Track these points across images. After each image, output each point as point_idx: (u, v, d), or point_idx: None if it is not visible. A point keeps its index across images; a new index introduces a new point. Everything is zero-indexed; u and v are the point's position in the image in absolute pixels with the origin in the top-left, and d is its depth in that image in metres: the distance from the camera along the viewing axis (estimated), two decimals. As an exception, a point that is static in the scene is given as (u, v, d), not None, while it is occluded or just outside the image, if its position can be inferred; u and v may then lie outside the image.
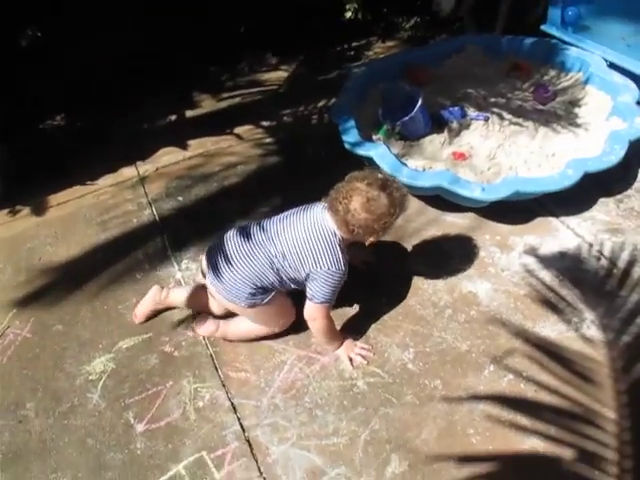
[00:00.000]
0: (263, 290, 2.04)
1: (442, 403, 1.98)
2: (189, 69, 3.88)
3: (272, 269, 2.01)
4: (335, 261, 1.98)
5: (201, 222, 2.79)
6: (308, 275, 2.00)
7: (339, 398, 2.03)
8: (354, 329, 2.25)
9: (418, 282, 2.40)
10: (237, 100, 3.76)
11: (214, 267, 2.07)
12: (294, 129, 3.41)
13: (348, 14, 3.97)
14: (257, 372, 2.14)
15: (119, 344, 2.28)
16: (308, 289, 2.03)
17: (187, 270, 2.56)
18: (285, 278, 2.04)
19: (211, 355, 2.21)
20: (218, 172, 3.09)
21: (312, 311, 2.06)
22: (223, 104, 3.76)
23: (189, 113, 3.72)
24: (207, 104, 3.78)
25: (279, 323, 2.20)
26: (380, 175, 1.96)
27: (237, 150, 3.26)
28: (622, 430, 1.87)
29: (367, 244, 2.01)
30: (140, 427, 2.01)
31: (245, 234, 2.08)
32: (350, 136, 2.72)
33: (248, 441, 1.94)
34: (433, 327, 2.22)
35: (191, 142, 3.38)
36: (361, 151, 2.62)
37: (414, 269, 2.42)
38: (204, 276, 2.17)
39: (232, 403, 2.05)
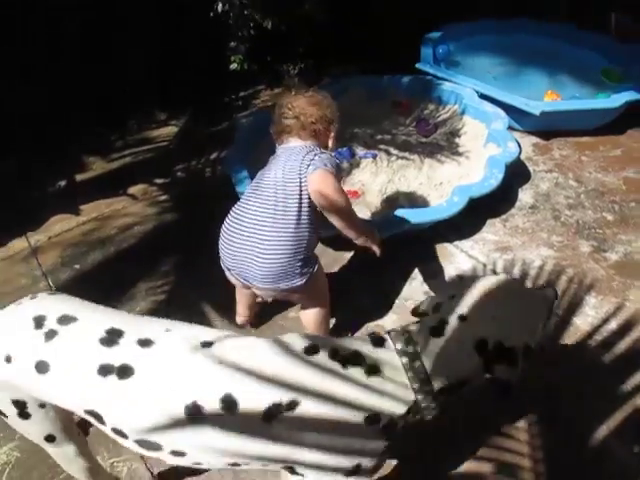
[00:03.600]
0: (307, 252, 1.93)
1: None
2: (77, 131, 3.78)
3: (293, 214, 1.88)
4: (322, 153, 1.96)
5: (102, 289, 2.65)
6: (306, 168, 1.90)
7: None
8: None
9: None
10: (128, 160, 3.70)
11: (246, 260, 1.91)
12: (188, 184, 3.39)
13: (233, 65, 4.05)
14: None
15: (22, 429, 2.13)
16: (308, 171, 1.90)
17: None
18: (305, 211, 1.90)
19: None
20: (114, 235, 3.01)
21: (323, 178, 1.87)
22: (114, 165, 3.68)
23: (79, 177, 3.61)
24: (98, 166, 3.69)
25: (327, 293, 2.13)
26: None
27: (132, 211, 3.20)
28: (532, 437, 1.97)
29: (331, 141, 2.10)
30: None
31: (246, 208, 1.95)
32: (244, 187, 2.73)
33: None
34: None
35: (84, 207, 3.28)
36: (257, 200, 2.64)
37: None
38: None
39: (152, 473, 1.95)
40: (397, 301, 2.51)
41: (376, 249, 2.09)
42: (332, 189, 1.85)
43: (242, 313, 2.35)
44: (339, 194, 1.88)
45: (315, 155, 1.92)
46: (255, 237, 1.88)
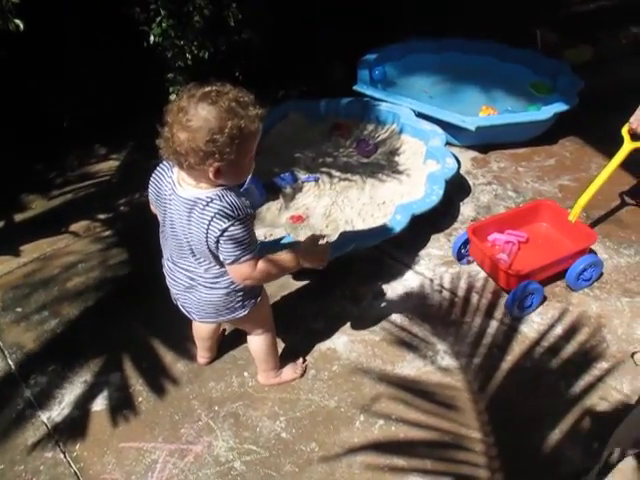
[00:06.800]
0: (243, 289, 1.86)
1: (321, 464, 1.99)
2: (14, 169, 3.68)
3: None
4: (228, 210, 1.60)
5: (46, 332, 2.61)
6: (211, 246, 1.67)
7: (218, 486, 1.97)
8: (222, 409, 2.20)
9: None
10: (69, 196, 3.60)
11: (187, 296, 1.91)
12: (132, 218, 3.33)
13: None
14: (129, 479, 2.01)
15: (-35, 489, 2.04)
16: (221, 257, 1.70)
17: (36, 386, 2.36)
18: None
19: (75, 473, 2.04)
20: (57, 275, 2.93)
21: (238, 272, 1.70)
22: (55, 202, 3.59)
23: (18, 216, 3.50)
24: (38, 204, 3.59)
25: (271, 320, 2.14)
26: (206, 89, 1.55)
27: (75, 248, 3.12)
28: (488, 447, 2.00)
29: (212, 175, 1.57)
30: None
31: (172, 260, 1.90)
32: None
33: None
34: (299, 391, 2.24)
35: (24, 247, 3.17)
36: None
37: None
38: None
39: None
40: (347, 322, 2.52)
41: (319, 265, 1.89)
42: (254, 279, 1.74)
43: (203, 355, 2.36)
44: (262, 275, 1.73)
45: (215, 223, 1.60)
46: (191, 280, 1.86)
